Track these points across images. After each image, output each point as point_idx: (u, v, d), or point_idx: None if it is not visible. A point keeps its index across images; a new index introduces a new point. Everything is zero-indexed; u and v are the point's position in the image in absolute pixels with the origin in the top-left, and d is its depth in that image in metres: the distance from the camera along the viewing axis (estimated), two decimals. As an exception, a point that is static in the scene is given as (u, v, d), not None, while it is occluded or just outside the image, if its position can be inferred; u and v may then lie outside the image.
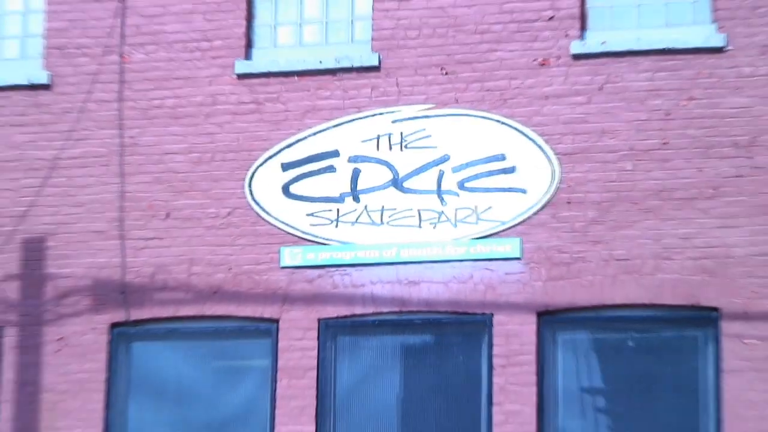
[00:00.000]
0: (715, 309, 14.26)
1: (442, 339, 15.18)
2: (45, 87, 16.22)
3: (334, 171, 15.39)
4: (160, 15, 16.18)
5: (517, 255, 14.71)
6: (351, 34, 15.96)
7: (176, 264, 15.55)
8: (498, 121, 15.09)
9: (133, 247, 15.65)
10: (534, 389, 14.46)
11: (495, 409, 14.50)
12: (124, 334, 15.58)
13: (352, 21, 15.99)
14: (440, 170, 15.11)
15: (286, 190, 15.44)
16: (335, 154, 15.43)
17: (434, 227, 15.05)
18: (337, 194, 15.32)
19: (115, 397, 15.51)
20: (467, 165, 15.10)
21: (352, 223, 15.26)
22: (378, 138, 15.38)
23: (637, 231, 14.60)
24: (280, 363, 15.13)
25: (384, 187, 15.24)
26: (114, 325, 15.50)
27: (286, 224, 15.37)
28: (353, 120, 15.48)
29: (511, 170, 14.98)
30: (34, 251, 15.88)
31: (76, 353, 15.50)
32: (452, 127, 15.24)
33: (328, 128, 15.52)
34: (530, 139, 14.99)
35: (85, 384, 15.39)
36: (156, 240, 15.65)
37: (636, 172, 14.71)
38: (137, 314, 15.54)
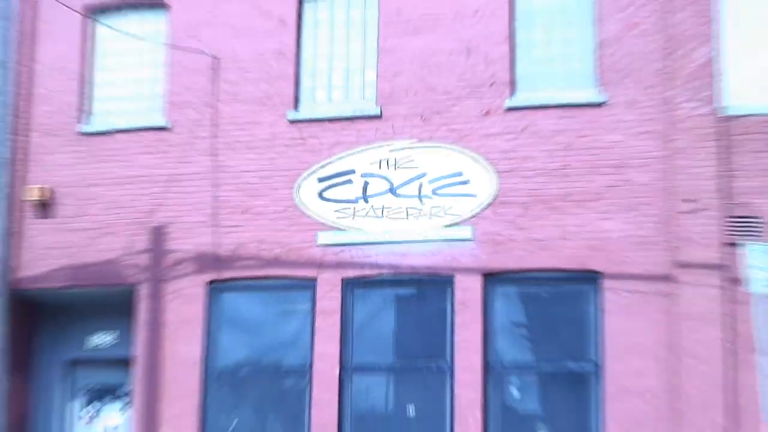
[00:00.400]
0: (598, 272, 14.62)
1: (422, 291, 15.42)
2: (166, 129, 16.31)
3: (352, 183, 15.55)
4: (240, 81, 16.23)
5: (470, 237, 15.01)
6: (363, 94, 16.01)
7: (250, 243, 15.71)
8: (458, 150, 15.29)
9: (223, 232, 15.83)
10: (480, 323, 14.85)
11: (456, 336, 14.91)
12: (216, 288, 15.81)
13: (363, 86, 16.04)
14: (420, 182, 15.33)
15: (320, 195, 15.63)
16: (352, 171, 15.61)
17: (417, 219, 15.27)
18: (353, 198, 15.53)
19: (210, 328, 15.77)
20: (438, 179, 15.30)
21: (363, 217, 15.44)
22: (380, 161, 15.53)
23: (549, 222, 14.88)
24: (317, 307, 15.39)
25: (384, 193, 15.45)
26: (210, 282, 15.78)
27: (320, 217, 15.55)
28: (364, 150, 15.59)
29: (466, 182, 15.19)
30: (158, 234, 16.02)
31: (185, 300, 15.77)
32: (428, 154, 15.40)
33: (347, 155, 15.63)
34: (478, 162, 15.19)
35: (190, 320, 15.69)
36: (237, 227, 15.81)
37: (548, 183, 14.94)
38: (225, 275, 15.77)
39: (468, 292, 14.98)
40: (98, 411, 17.10)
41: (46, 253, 16.44)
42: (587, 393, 14.55)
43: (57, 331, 17.26)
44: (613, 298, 14.47)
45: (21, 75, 16.69)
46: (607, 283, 14.53)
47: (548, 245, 14.86)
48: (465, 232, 15.06)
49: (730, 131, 14.46)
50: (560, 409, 14.75)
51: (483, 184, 15.15)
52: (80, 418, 17.13)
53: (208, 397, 15.60)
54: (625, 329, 14.34)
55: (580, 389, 14.61)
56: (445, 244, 15.16)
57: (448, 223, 15.17)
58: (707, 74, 14.67)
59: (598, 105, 14.99)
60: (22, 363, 16.64)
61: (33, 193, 16.46)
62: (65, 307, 17.09)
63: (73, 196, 16.52)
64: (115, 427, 16.90)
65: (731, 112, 14.56)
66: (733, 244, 14.08)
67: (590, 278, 14.74)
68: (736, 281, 13.89)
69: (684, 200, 14.40)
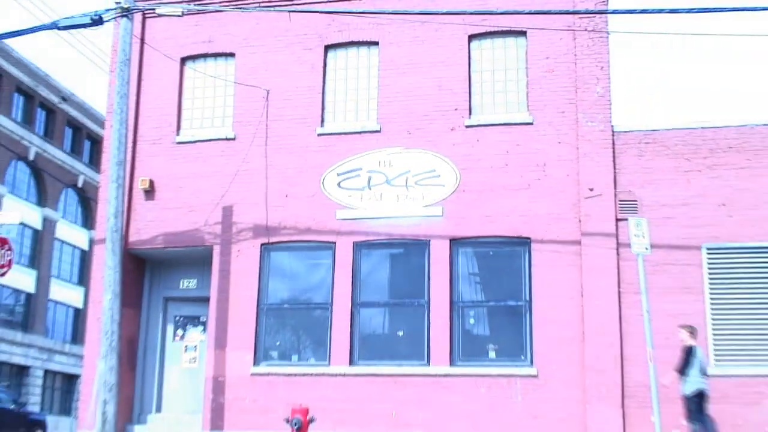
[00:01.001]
0: (529, 238, 14.98)
1: (407, 251, 15.61)
2: (232, 139, 16.47)
3: (360, 176, 15.76)
4: (284, 107, 16.39)
5: (441, 214, 15.28)
6: (368, 116, 16.18)
7: (290, 218, 15.88)
8: (432, 154, 15.54)
9: (271, 210, 15.98)
10: (448, 272, 15.13)
11: (431, 282, 15.19)
12: (267, 248, 15.97)
13: (368, 110, 16.19)
14: (407, 176, 15.55)
15: (338, 185, 15.83)
16: (360, 169, 15.81)
17: (404, 201, 15.49)
18: (361, 187, 15.71)
19: (262, 276, 15.89)
20: (418, 174, 15.53)
21: (368, 200, 15.63)
22: (379, 161, 15.72)
23: (494, 203, 15.14)
24: (336, 262, 15.63)
25: (382, 183, 15.66)
26: (262, 244, 15.97)
27: (338, 200, 15.73)
28: (368, 154, 15.81)
29: (438, 176, 15.45)
30: (227, 211, 16.18)
31: (246, 257, 15.94)
32: (412, 157, 15.63)
33: (357, 157, 15.84)
34: (447, 162, 15.46)
35: (249, 271, 15.84)
36: (281, 206, 15.95)
37: (492, 176, 15.25)
38: (273, 239, 15.90)
39: (439, 252, 15.33)
40: (184, 333, 17.06)
41: (150, 224, 16.66)
42: (521, 321, 14.88)
43: (157, 277, 17.40)
44: (539, 256, 14.96)
45: (133, 102, 16.95)
46: (534, 246, 15.00)
47: (494, 220, 15.22)
48: (437, 210, 15.42)
49: (617, 142, 15.04)
50: (503, 333, 14.99)
51: (449, 177, 15.51)
52: (172, 337, 17.15)
53: (260, 324, 15.80)
54: (547, 278, 14.84)
55: (516, 319, 14.93)
56: (424, 219, 15.45)
57: (426, 204, 15.49)
58: (603, 103, 15.17)
59: (528, 124, 15.47)
60: (133, 300, 16.87)
61: (141, 184, 16.72)
62: (163, 261, 17.22)
63: (169, 186, 16.75)
64: (196, 345, 16.90)
65: (618, 129, 15.16)
66: (621, 219, 14.58)
67: (523, 242, 15.14)
68: (624, 245, 14.28)
69: (588, 189, 14.81)
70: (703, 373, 12.96)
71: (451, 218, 15.42)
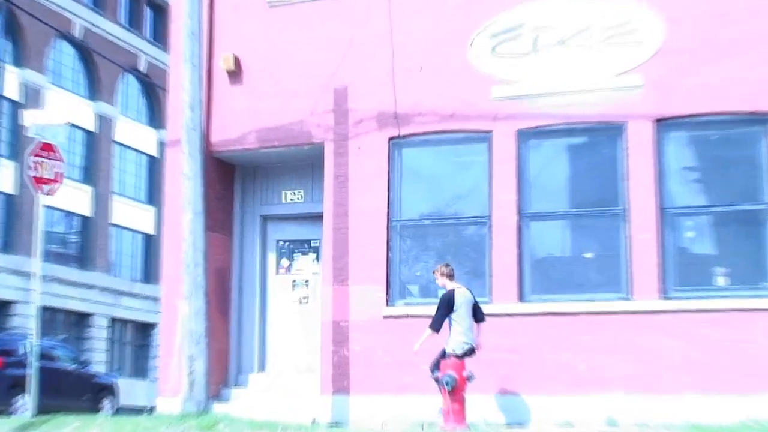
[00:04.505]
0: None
1: (593, 139, 15.52)
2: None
3: (521, 36, 15.55)
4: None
5: (639, 84, 15.02)
6: None
7: (427, 100, 15.90)
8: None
9: (401, 90, 16.01)
10: (653, 167, 14.76)
11: (630, 182, 14.85)
12: (397, 144, 16.17)
13: None
14: (589, 33, 15.29)
15: (492, 49, 15.67)
16: (521, 25, 15.59)
17: (587, 69, 15.25)
18: (524, 51, 15.57)
19: (394, 181, 16.07)
20: (606, 28, 15.23)
21: (535, 69, 15.47)
22: (549, 13, 15.45)
23: (716, 67, 14.62)
24: (494, 158, 15.57)
25: (554, 44, 15.44)
26: (391, 138, 16.13)
27: (493, 72, 15.63)
28: (532, 1, 15.57)
29: (634, 30, 15.07)
30: (341, 95, 16.37)
31: (369, 157, 16.13)
32: (596, 3, 15.29)
33: (516, 8, 15.60)
34: (647, 9, 15.04)
35: (374, 175, 16.06)
36: (414, 85, 15.96)
37: (712, 27, 14.75)
38: (404, 131, 16.04)
39: (640, 138, 15.08)
40: (291, 263, 17.51)
41: (238, 118, 17.00)
42: (762, 233, 14.63)
43: (251, 189, 17.84)
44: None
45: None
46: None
47: (717, 90, 14.81)
48: (635, 79, 15.17)
49: None
50: (736, 251, 14.88)
51: (651, 31, 15.17)
52: (276, 270, 17.55)
53: (393, 248, 16.10)
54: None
55: (754, 230, 14.74)
56: (616, 92, 15.24)
57: (618, 72, 15.26)
58: None
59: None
60: (221, 221, 17.27)
61: (223, 63, 17.00)
62: (258, 167, 17.67)
63: (261, 64, 17.03)
64: (307, 279, 17.33)
65: None
66: None
67: (761, 120, 14.78)
68: None
69: None
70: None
71: (655, 90, 15.16)
